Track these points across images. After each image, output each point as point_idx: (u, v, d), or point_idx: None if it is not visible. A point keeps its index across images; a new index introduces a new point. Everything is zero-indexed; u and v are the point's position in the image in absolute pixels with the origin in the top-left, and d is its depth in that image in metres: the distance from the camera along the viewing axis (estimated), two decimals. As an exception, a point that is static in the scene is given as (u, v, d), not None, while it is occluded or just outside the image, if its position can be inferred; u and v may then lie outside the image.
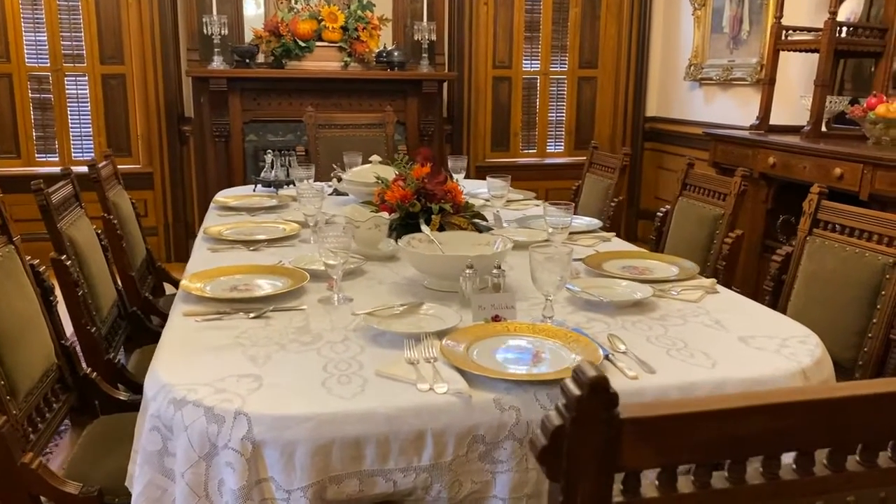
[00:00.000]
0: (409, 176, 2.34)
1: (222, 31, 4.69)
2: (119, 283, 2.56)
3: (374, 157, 3.00)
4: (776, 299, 2.21)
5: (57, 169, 4.77)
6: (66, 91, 5.00)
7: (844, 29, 3.74)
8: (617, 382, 1.34)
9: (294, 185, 3.20)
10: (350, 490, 1.21)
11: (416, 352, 1.42)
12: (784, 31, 4.00)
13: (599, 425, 0.67)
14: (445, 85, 5.34)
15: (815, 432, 0.73)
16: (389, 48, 5.05)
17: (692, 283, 1.96)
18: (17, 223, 1.87)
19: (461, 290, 1.74)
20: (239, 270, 1.96)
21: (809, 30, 3.95)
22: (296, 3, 4.92)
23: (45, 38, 4.88)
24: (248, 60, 4.78)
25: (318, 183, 2.97)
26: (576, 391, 0.66)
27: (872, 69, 4.01)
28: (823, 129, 3.78)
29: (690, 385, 1.37)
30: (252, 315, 1.64)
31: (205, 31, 4.69)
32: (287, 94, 4.91)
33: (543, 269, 1.58)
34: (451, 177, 2.76)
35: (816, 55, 3.85)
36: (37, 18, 4.84)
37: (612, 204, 3.13)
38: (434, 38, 5.05)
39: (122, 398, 1.94)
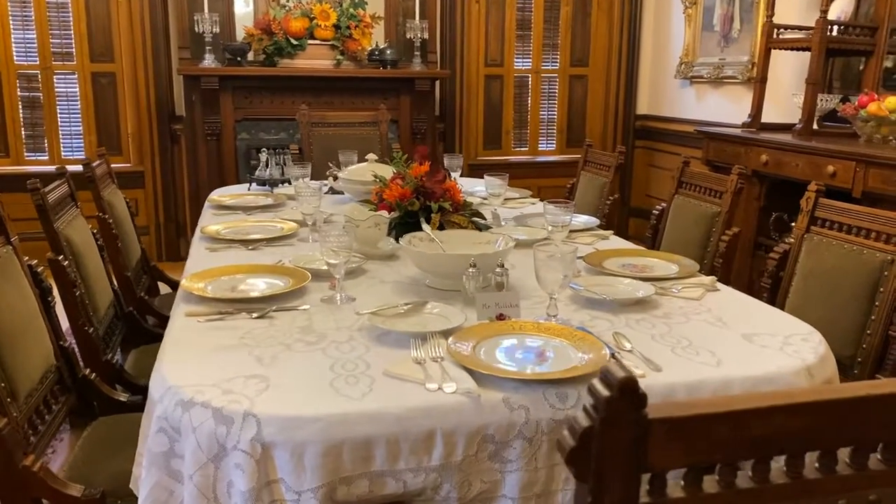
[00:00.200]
0: (407, 174, 2.34)
1: (214, 29, 4.66)
2: (115, 283, 2.54)
3: (371, 156, 2.99)
4: (774, 296, 2.22)
5: (47, 168, 4.78)
6: (56, 89, 4.95)
7: (835, 28, 3.77)
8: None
9: (289, 183, 3.19)
10: (360, 491, 1.20)
11: (422, 351, 1.42)
12: (776, 30, 4.02)
13: (628, 426, 0.67)
14: (438, 83, 5.33)
15: (839, 431, 0.74)
16: (382, 46, 5.03)
17: (693, 281, 1.96)
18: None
19: (464, 288, 1.74)
20: (239, 270, 1.94)
21: (800, 28, 3.97)
22: (287, 0, 4.90)
23: (34, 35, 4.83)
24: (239, 58, 4.76)
25: (314, 181, 2.96)
26: (605, 392, 0.66)
27: (860, 67, 4.05)
28: (815, 126, 3.81)
29: (697, 383, 1.38)
30: (255, 315, 1.63)
31: (196, 28, 4.66)
32: (279, 92, 4.89)
33: (548, 268, 1.58)
34: (450, 175, 2.76)
35: (806, 53, 3.88)
36: (25, 16, 4.80)
37: (608, 202, 3.14)
38: (426, 36, 5.04)
39: (122, 399, 1.92)
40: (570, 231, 2.33)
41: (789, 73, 4.32)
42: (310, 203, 2.45)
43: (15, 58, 4.83)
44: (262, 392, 1.26)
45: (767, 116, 4.15)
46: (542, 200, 3.12)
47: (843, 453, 0.77)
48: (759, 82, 4.11)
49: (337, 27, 4.87)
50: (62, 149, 5.03)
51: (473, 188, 3.00)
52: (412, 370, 1.35)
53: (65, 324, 1.96)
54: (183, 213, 5.24)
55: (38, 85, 4.92)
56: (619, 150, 3.25)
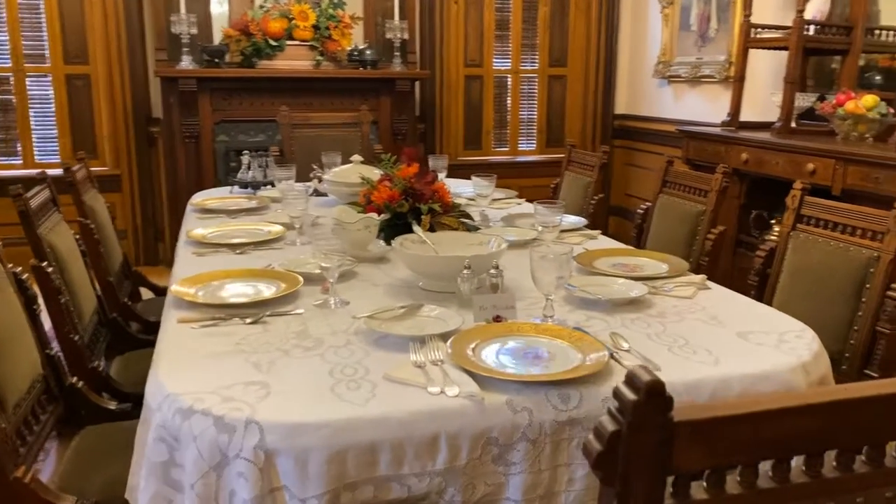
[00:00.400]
0: (395, 176, 2.33)
1: (191, 31, 4.60)
2: (98, 289, 2.50)
3: (356, 157, 2.97)
4: (761, 294, 2.24)
5: (20, 172, 4.69)
6: (29, 92, 4.86)
7: (812, 27, 3.82)
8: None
9: (273, 185, 3.16)
10: (364, 497, 1.19)
11: (421, 354, 1.41)
12: (753, 29, 4.07)
13: (654, 429, 0.67)
14: (418, 84, 5.32)
15: (857, 430, 0.74)
16: (361, 47, 5.01)
17: (683, 280, 1.98)
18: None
19: (458, 290, 1.73)
20: (229, 275, 1.92)
21: (777, 28, 4.02)
22: (265, 1, 4.86)
23: (6, 37, 4.74)
24: (217, 60, 4.70)
25: (298, 184, 2.94)
26: (632, 396, 0.66)
27: (833, 66, 4.11)
28: (793, 125, 3.85)
29: (696, 382, 1.38)
30: (249, 321, 1.61)
31: (173, 30, 4.60)
32: (258, 93, 4.85)
33: (544, 269, 1.58)
34: (437, 176, 2.75)
35: (780, 53, 3.93)
36: (-3, 17, 4.71)
37: (593, 202, 3.15)
38: (406, 36, 5.03)
39: (111, 408, 1.89)
40: (560, 231, 2.34)
41: (765, 72, 4.37)
42: (296, 206, 2.43)
43: (-14, 60, 4.74)
44: (263, 399, 1.25)
45: (744, 115, 4.20)
46: (527, 201, 3.13)
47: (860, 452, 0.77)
48: (737, 81, 4.15)
49: (316, 28, 4.83)
50: (35, 152, 4.94)
51: (458, 189, 2.99)
52: (413, 374, 1.34)
53: (49, 331, 1.92)
54: (161, 216, 5.18)
55: (9, 87, 4.83)
56: (603, 149, 3.27)
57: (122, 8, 4.85)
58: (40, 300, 1.89)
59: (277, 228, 2.46)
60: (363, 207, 2.32)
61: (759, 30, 4.07)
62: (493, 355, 1.42)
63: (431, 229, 2.15)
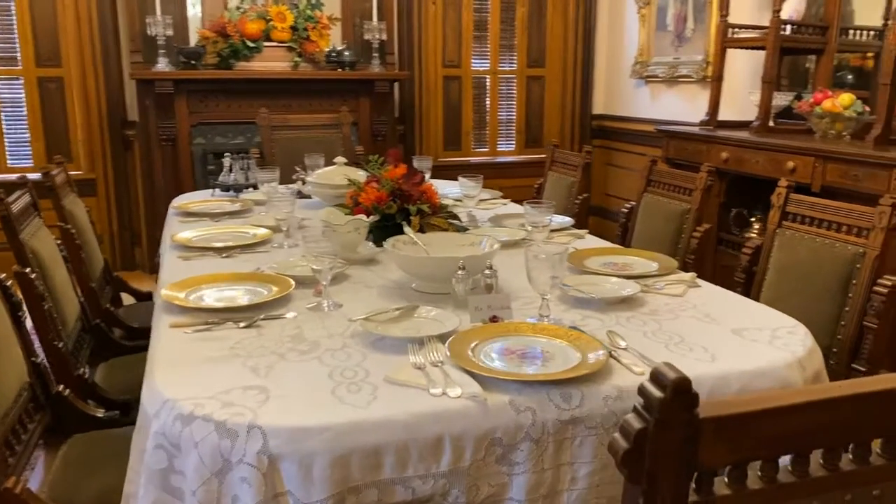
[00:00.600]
0: (383, 177, 2.32)
1: (167, 32, 4.55)
2: (80, 295, 2.45)
3: (339, 159, 2.96)
4: (748, 291, 2.26)
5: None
6: (0, 95, 4.77)
7: (788, 27, 3.87)
8: (625, 379, 1.36)
9: (255, 188, 3.13)
10: (369, 500, 1.18)
11: (420, 356, 1.40)
12: (730, 29, 4.11)
13: (681, 426, 0.67)
14: (397, 85, 5.30)
15: (874, 423, 0.75)
16: (340, 48, 4.98)
17: (674, 278, 1.99)
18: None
19: (453, 291, 1.73)
20: (218, 279, 1.90)
21: (754, 27, 4.07)
22: (242, 2, 4.82)
23: (-24, 39, 4.66)
24: (194, 62, 4.65)
25: (281, 186, 2.91)
26: (658, 393, 0.66)
27: (807, 65, 4.17)
28: (771, 124, 3.90)
29: (695, 379, 1.37)
30: (242, 324, 1.59)
31: (149, 31, 4.54)
32: (236, 95, 4.80)
33: (540, 269, 1.58)
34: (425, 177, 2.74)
35: (755, 52, 3.98)
36: (-34, 19, 4.62)
37: (577, 201, 3.17)
38: (384, 37, 5.01)
39: (98, 415, 1.86)
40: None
41: (742, 71, 4.42)
42: (282, 208, 2.41)
43: (-44, 63, 4.65)
44: (264, 403, 1.23)
45: (721, 114, 4.24)
46: (512, 201, 3.13)
47: (875, 445, 0.78)
48: (715, 80, 4.19)
49: (294, 29, 4.80)
50: (7, 157, 4.85)
51: (445, 190, 2.98)
52: (413, 376, 1.33)
53: (33, 339, 1.88)
54: (137, 221, 5.11)
55: (-20, 91, 4.74)
56: (587, 149, 3.29)
57: (96, 10, 4.77)
58: (25, 307, 1.86)
59: (263, 231, 2.43)
60: (350, 209, 2.31)
61: (736, 30, 4.12)
62: (492, 355, 1.41)
63: (421, 230, 2.14)
